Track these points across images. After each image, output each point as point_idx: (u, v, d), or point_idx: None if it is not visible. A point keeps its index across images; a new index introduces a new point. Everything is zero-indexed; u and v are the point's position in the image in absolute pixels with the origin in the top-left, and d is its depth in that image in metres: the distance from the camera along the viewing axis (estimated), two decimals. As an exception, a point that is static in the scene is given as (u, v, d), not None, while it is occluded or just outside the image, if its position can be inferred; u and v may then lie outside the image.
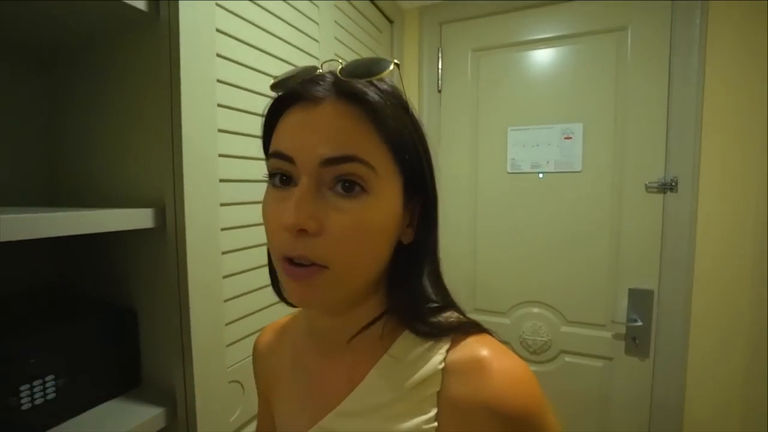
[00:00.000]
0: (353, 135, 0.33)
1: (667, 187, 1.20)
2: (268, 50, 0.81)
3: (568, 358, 1.35)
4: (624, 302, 1.27)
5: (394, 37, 1.45)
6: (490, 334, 0.40)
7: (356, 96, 0.33)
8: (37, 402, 0.59)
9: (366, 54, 1.24)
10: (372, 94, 0.34)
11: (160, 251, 0.68)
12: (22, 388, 0.58)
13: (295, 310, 0.50)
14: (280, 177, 0.36)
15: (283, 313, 0.86)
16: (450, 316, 0.40)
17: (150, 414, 0.66)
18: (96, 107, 0.76)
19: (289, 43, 0.88)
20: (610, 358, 1.30)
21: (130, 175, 0.72)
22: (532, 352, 1.39)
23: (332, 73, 0.36)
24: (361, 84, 0.34)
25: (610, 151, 1.26)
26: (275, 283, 0.43)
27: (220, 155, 0.71)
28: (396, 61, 0.34)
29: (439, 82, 1.48)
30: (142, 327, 0.74)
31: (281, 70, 0.85)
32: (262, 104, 0.79)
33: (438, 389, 0.36)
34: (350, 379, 0.40)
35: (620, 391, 1.29)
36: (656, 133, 1.21)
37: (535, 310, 1.38)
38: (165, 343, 0.70)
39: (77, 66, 0.78)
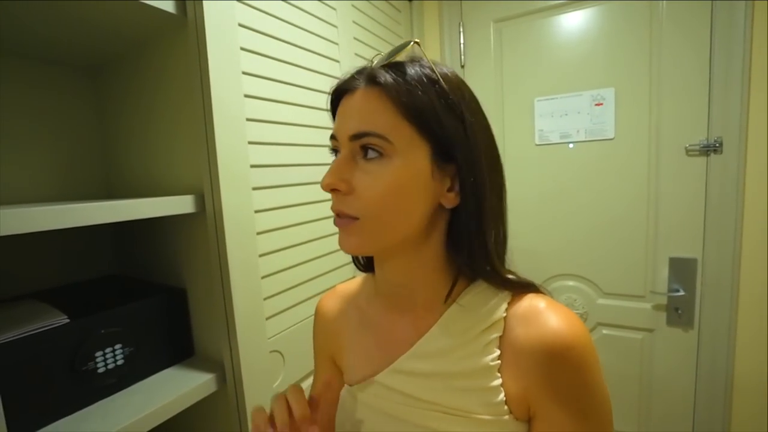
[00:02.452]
0: (372, 114, 0.40)
1: (711, 148, 1.13)
2: (289, 40, 0.85)
3: (605, 331, 1.32)
4: (664, 272, 1.22)
5: (413, 16, 1.44)
6: (545, 294, 0.46)
7: (376, 80, 0.41)
8: (109, 367, 0.69)
9: (384, 33, 1.24)
10: (389, 78, 0.40)
11: (202, 234, 0.75)
12: (97, 354, 0.67)
13: (355, 278, 0.59)
14: (335, 152, 0.45)
15: (315, 289, 0.92)
16: (509, 274, 0.46)
17: (202, 379, 0.73)
18: (139, 107, 0.83)
19: (309, 31, 0.91)
20: (650, 330, 1.26)
21: (172, 166, 0.79)
22: (568, 325, 1.37)
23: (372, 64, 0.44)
24: (383, 70, 0.41)
25: (646, 115, 1.20)
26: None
27: (250, 142, 0.76)
28: (415, 40, 0.41)
29: (462, 57, 1.46)
30: (192, 304, 0.82)
31: (302, 58, 0.89)
32: (286, 93, 0.84)
33: (500, 334, 0.42)
34: (417, 329, 0.45)
35: (662, 363, 1.25)
36: (697, 92, 1.14)
37: (570, 282, 1.36)
38: (212, 317, 0.77)
39: (120, 70, 0.85)
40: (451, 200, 0.43)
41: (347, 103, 0.43)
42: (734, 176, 1.10)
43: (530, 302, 0.43)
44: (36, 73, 0.82)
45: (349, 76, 0.44)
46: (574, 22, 1.27)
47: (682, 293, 1.19)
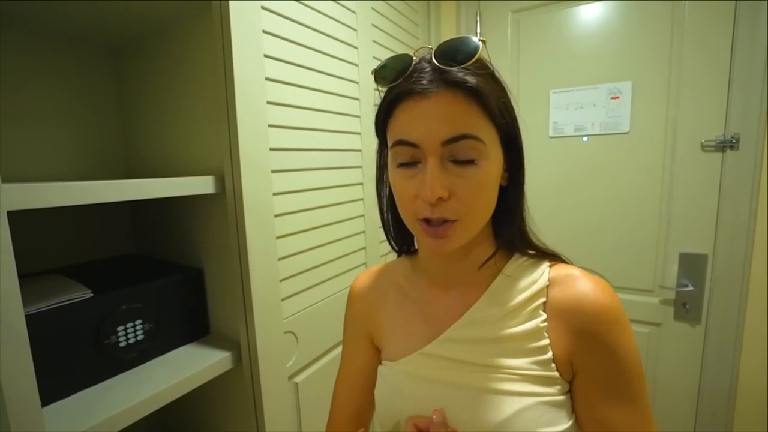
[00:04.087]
0: (463, 117, 0.41)
1: (727, 144, 1.12)
2: (310, 24, 0.85)
3: (612, 324, 1.33)
4: (674, 267, 1.22)
5: (430, 5, 1.43)
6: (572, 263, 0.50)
7: (460, 84, 0.40)
8: (131, 341, 0.71)
9: (402, 22, 1.24)
10: (471, 79, 0.40)
11: (222, 215, 0.76)
12: (119, 328, 0.69)
13: (387, 260, 0.63)
14: (407, 165, 0.44)
15: (330, 272, 0.93)
16: (543, 246, 0.51)
17: (219, 357, 0.75)
18: (160, 88, 0.84)
19: (329, 17, 0.91)
20: (657, 324, 1.27)
21: (194, 148, 0.80)
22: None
23: (429, 62, 0.42)
24: (461, 73, 0.41)
25: (663, 110, 1.19)
26: (389, 237, 0.57)
27: (270, 126, 0.76)
28: (482, 38, 0.41)
29: (478, 47, 1.45)
30: (209, 283, 0.83)
31: (323, 43, 0.89)
32: (306, 77, 0.84)
33: (545, 300, 0.46)
34: (464, 302, 0.49)
35: (668, 357, 1.26)
36: (716, 87, 1.12)
37: (578, 276, 1.36)
38: (229, 297, 0.79)
39: (143, 50, 0.86)
40: (504, 181, 0.47)
41: (426, 108, 0.41)
42: (750, 173, 1.10)
43: (566, 271, 0.47)
44: (60, 53, 0.83)
45: (402, 70, 0.43)
46: (593, 13, 1.26)
47: (690, 288, 1.19)
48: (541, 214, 1.39)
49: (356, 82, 1.01)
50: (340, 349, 1.01)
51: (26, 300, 0.59)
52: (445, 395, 0.46)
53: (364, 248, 1.08)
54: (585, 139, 1.31)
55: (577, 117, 1.31)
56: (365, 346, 0.59)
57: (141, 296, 0.72)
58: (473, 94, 0.40)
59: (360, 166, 1.04)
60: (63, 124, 0.85)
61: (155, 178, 0.66)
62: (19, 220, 0.49)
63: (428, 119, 0.41)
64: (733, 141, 1.11)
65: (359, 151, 1.04)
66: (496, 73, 0.45)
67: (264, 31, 0.74)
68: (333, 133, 0.94)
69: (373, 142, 1.13)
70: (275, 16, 0.77)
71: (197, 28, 0.74)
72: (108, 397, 0.63)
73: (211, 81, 0.73)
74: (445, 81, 0.41)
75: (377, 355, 0.57)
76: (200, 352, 0.78)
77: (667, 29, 1.16)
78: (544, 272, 0.47)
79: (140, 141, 0.91)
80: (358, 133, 1.03)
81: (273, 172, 0.77)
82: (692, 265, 1.20)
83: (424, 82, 0.41)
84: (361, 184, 1.05)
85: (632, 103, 1.23)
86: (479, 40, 0.41)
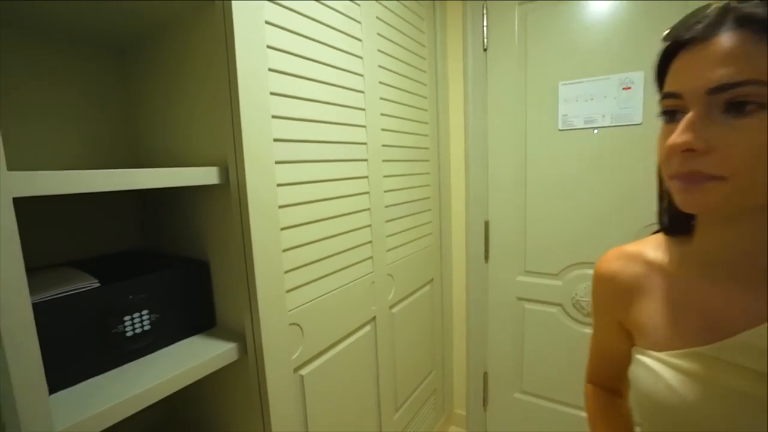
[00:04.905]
0: (746, 59, 0.34)
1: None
2: (313, 16, 0.85)
3: (625, 321, 1.30)
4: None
5: (436, -3, 1.42)
6: None
7: (748, 19, 0.35)
8: (137, 331, 0.71)
9: (406, 14, 1.23)
10: (761, 12, 0.34)
11: (226, 206, 0.76)
12: (126, 318, 0.70)
13: (643, 240, 0.56)
14: (671, 114, 0.40)
15: (334, 266, 0.93)
16: None
17: (224, 348, 0.75)
18: (165, 84, 0.85)
19: (333, 8, 0.91)
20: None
21: (198, 140, 0.81)
22: (587, 314, 1.36)
23: (722, 7, 0.37)
24: (752, 5, 0.35)
25: (676, 100, 1.16)
26: (661, 211, 0.52)
27: (273, 117, 0.76)
28: None
29: (485, 40, 1.43)
30: (214, 276, 0.84)
31: (327, 35, 0.89)
32: (309, 69, 0.84)
33: None
34: (758, 299, 0.41)
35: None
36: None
37: (589, 271, 1.34)
38: (234, 288, 0.79)
39: (147, 49, 0.87)
40: None
41: (699, 54, 0.37)
42: None
43: None
44: (66, 52, 0.85)
45: (688, 23, 0.39)
46: (602, 3, 1.23)
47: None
48: (550, 209, 1.37)
49: (361, 75, 1.01)
50: (346, 343, 1.02)
51: (35, 289, 0.60)
52: (735, 405, 0.41)
53: (371, 242, 1.07)
54: (595, 131, 1.28)
55: (588, 109, 1.28)
56: (615, 330, 0.56)
57: (146, 287, 0.72)
58: (758, 31, 0.34)
59: (365, 159, 1.04)
60: (70, 119, 0.86)
61: (162, 168, 0.66)
62: (28, 215, 0.49)
63: (701, 65, 0.37)
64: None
65: (364, 144, 1.03)
66: None
67: (267, 22, 0.74)
68: (337, 126, 0.94)
69: (379, 136, 1.12)
70: (278, 7, 0.77)
71: (199, 23, 0.74)
72: (114, 385, 0.64)
73: (213, 73, 0.73)
74: (733, 20, 0.36)
75: (629, 338, 0.54)
76: (206, 343, 0.78)
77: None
78: None
79: (146, 135, 0.93)
80: (363, 126, 1.03)
81: (277, 163, 0.77)
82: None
83: (700, 27, 0.37)
84: (366, 177, 1.05)
85: (645, 94, 1.20)
86: None
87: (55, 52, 0.83)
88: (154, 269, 0.76)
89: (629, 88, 1.22)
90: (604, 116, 1.26)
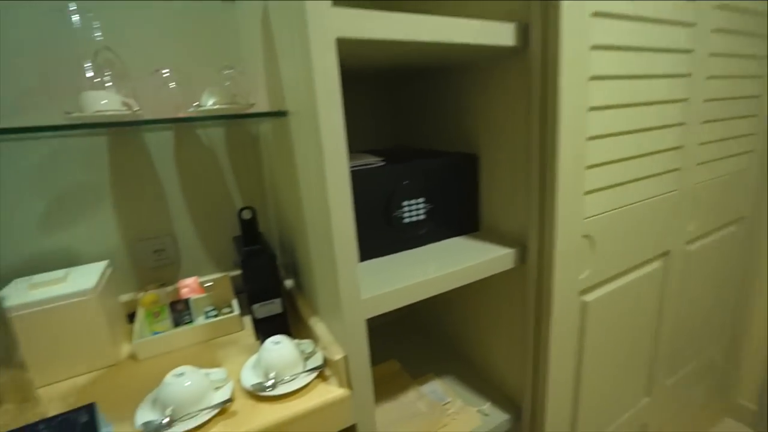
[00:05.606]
0: None
1: None
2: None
3: None
4: None
5: None
6: None
7: None
8: (413, 219, 0.66)
9: None
10: None
11: (514, 80, 0.60)
12: (404, 203, 0.65)
13: None
14: None
15: (640, 172, 0.69)
16: None
17: (502, 252, 0.64)
18: None
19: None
20: None
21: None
22: None
23: None
24: None
25: None
26: None
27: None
28: None
29: None
30: (483, 174, 0.71)
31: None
32: None
33: None
34: None
35: None
36: None
37: None
38: (511, 187, 0.65)
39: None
40: None
41: None
42: None
43: None
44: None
45: None
46: None
47: None
48: None
49: None
50: (631, 277, 0.76)
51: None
52: None
53: (682, 147, 0.76)
54: None
55: None
56: None
57: (422, 173, 0.66)
58: None
59: (694, 24, 0.70)
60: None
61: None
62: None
63: None
64: None
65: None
66: None
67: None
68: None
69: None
70: None
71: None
72: (399, 269, 0.60)
73: None
74: None
75: None
76: (477, 245, 0.68)
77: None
78: None
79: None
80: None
81: (593, 15, 0.55)
82: None
83: None
84: (692, 51, 0.71)
85: None
86: None
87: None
88: (421, 158, 0.68)
89: None
90: None
